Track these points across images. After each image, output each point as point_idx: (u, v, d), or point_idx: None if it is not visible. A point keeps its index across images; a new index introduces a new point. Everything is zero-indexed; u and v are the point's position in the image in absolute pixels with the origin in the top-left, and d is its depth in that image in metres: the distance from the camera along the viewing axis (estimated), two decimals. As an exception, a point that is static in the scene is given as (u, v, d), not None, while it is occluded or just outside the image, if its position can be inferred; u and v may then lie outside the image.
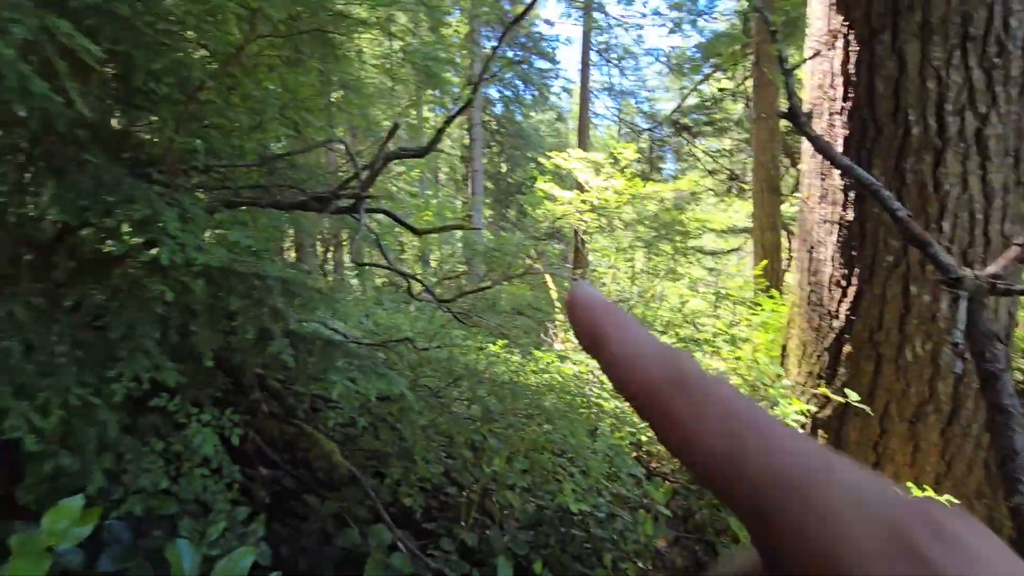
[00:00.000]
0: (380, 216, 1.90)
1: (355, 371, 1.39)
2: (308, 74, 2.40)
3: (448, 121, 1.53)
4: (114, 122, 1.73)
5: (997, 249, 2.60)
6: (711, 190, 10.78)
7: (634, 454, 3.28)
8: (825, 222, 2.98)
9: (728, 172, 10.43)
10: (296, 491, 2.05)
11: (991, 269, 1.55)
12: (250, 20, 1.48)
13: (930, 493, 2.53)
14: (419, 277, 1.80)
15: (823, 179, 3.01)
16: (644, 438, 3.36)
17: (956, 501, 2.59)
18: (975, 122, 2.46)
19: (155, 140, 1.54)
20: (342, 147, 1.62)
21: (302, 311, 1.47)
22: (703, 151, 10.60)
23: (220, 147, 1.61)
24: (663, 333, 5.22)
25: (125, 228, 1.48)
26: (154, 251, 1.23)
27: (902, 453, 2.76)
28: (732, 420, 0.21)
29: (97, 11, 1.11)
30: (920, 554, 0.17)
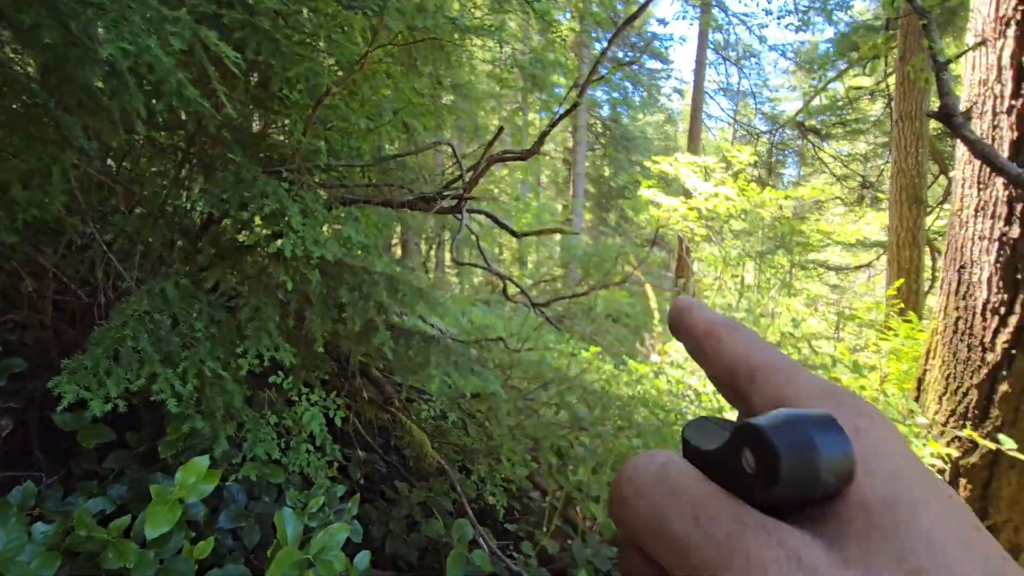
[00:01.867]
0: (481, 217, 1.94)
1: (451, 367, 1.43)
2: (421, 79, 2.52)
3: (552, 125, 1.52)
4: (254, 125, 1.93)
5: None
6: (839, 199, 9.75)
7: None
8: (982, 239, 2.56)
9: (861, 179, 9.37)
10: (388, 476, 2.16)
11: None
12: (373, 31, 1.58)
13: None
14: (514, 279, 1.81)
15: (981, 189, 2.60)
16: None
17: None
18: None
19: (286, 141, 1.69)
20: (449, 149, 1.67)
21: (403, 306, 1.54)
22: (832, 155, 9.61)
23: (340, 148, 1.74)
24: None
25: (257, 220, 1.65)
26: (279, 242, 1.35)
27: (1073, 519, 2.30)
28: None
29: (244, 25, 1.25)
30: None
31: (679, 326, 0.29)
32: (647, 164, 8.63)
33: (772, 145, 10.55)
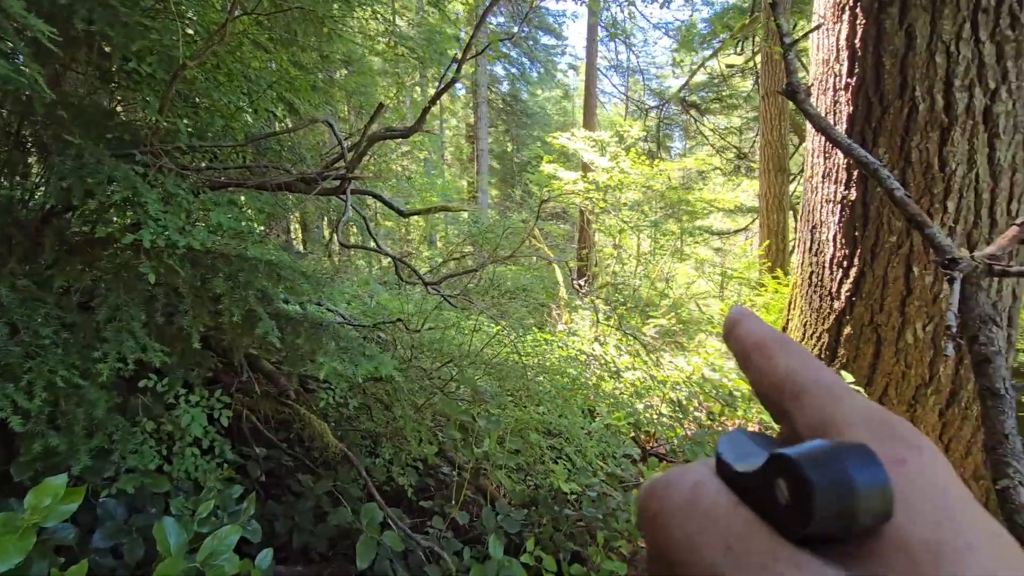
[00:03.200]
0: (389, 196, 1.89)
1: (340, 353, 1.39)
2: (304, 53, 2.36)
3: (432, 102, 1.50)
4: (103, 103, 1.72)
5: (1003, 230, 2.54)
6: (719, 169, 10.61)
7: (632, 435, 3.29)
8: (828, 202, 2.92)
9: (736, 151, 10.24)
10: (292, 470, 2.09)
11: (989, 250, 1.51)
12: (234, -2, 1.45)
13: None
14: (405, 259, 1.79)
15: (827, 158, 2.95)
16: (644, 417, 3.37)
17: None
18: (984, 98, 2.39)
19: (139, 121, 1.52)
20: (328, 127, 1.60)
21: (291, 293, 1.47)
22: (711, 129, 10.40)
23: (207, 127, 1.60)
24: (668, 315, 5.21)
25: (113, 211, 1.49)
26: (137, 233, 1.23)
27: (900, 435, 2.75)
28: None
29: (68, -11, 1.09)
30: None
31: (730, 335, 0.29)
32: (548, 139, 8.81)
33: (660, 120, 11.18)
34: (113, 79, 1.59)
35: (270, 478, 2.12)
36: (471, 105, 15.78)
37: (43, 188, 1.38)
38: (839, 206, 2.86)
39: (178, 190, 1.29)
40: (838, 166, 2.88)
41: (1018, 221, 1.53)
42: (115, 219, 1.41)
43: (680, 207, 9.45)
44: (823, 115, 2.82)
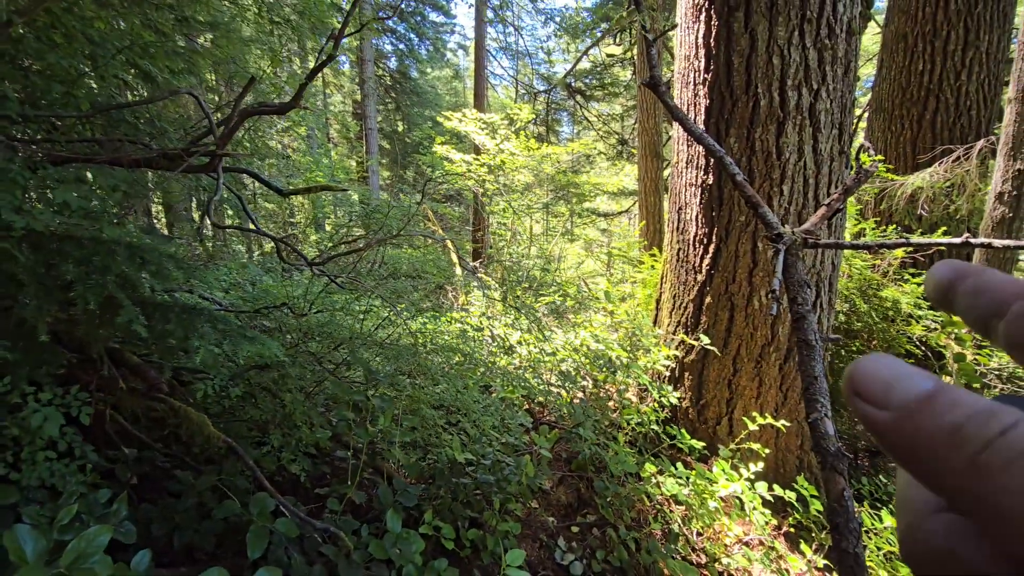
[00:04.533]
0: (250, 177, 1.78)
1: (222, 337, 1.33)
2: (160, 12, 2.14)
3: (310, 77, 1.45)
4: None
5: (825, 209, 3.02)
6: (603, 154, 11.22)
7: (526, 406, 3.47)
8: (691, 185, 3.26)
9: (618, 136, 10.89)
10: (168, 469, 1.95)
11: (805, 226, 1.82)
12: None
13: (770, 420, 2.96)
14: (287, 240, 1.74)
15: (689, 145, 3.28)
16: (536, 389, 3.56)
17: (788, 424, 3.05)
18: (809, 97, 2.80)
19: (-48, 84, 1.31)
20: (193, 99, 1.49)
21: (157, 279, 1.36)
22: (596, 115, 10.96)
23: (42, 95, 1.41)
24: (559, 293, 5.48)
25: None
26: (-41, 214, 1.08)
27: (750, 388, 3.19)
28: None
29: None
30: None
31: (955, 293, 0.26)
32: (440, 119, 8.71)
33: (549, 104, 11.52)
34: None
35: (144, 481, 1.96)
36: (357, 81, 15.06)
37: None
38: (700, 189, 3.21)
39: (8, 164, 1.14)
40: (699, 153, 3.22)
41: (825, 203, 1.85)
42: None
43: (569, 190, 9.88)
44: (685, 108, 3.13)
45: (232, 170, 1.49)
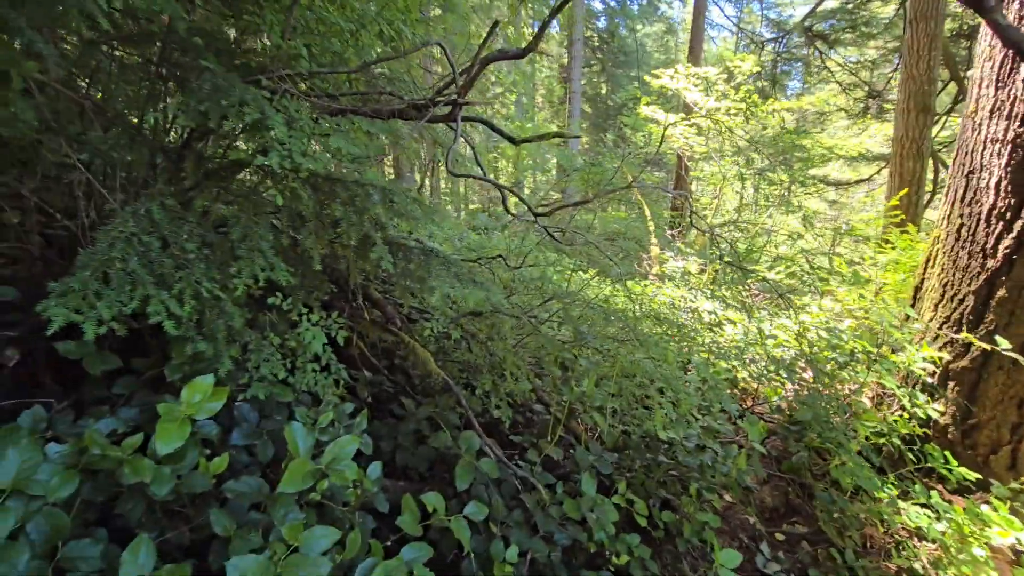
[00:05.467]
0: (477, 133, 1.85)
1: (452, 279, 1.41)
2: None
3: (551, 17, 1.40)
4: (229, 33, 1.78)
5: None
6: (843, 110, 9.40)
7: (729, 390, 3.15)
8: (994, 141, 2.48)
9: (867, 88, 8.98)
10: (394, 395, 2.21)
11: None
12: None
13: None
14: (514, 191, 1.75)
15: (999, 87, 2.48)
16: (742, 375, 3.21)
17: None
18: None
19: (263, 48, 1.56)
20: (439, 58, 1.55)
21: (402, 221, 1.49)
22: (839, 64, 9.13)
23: (320, 54, 1.61)
24: (777, 269, 4.83)
25: (243, 137, 1.56)
26: (267, 157, 1.28)
27: (1055, 415, 2.40)
28: None
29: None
30: None
31: None
32: (646, 79, 8.22)
33: (777, 54, 10.01)
34: (237, 6, 1.64)
35: (374, 401, 2.26)
36: (565, 44, 15.04)
37: (181, 115, 1.47)
38: (1009, 146, 2.42)
39: (300, 115, 1.32)
40: (1015, 98, 2.42)
41: None
42: (245, 145, 1.47)
43: (792, 154, 8.57)
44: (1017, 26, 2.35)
45: (469, 119, 1.54)
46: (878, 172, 8.88)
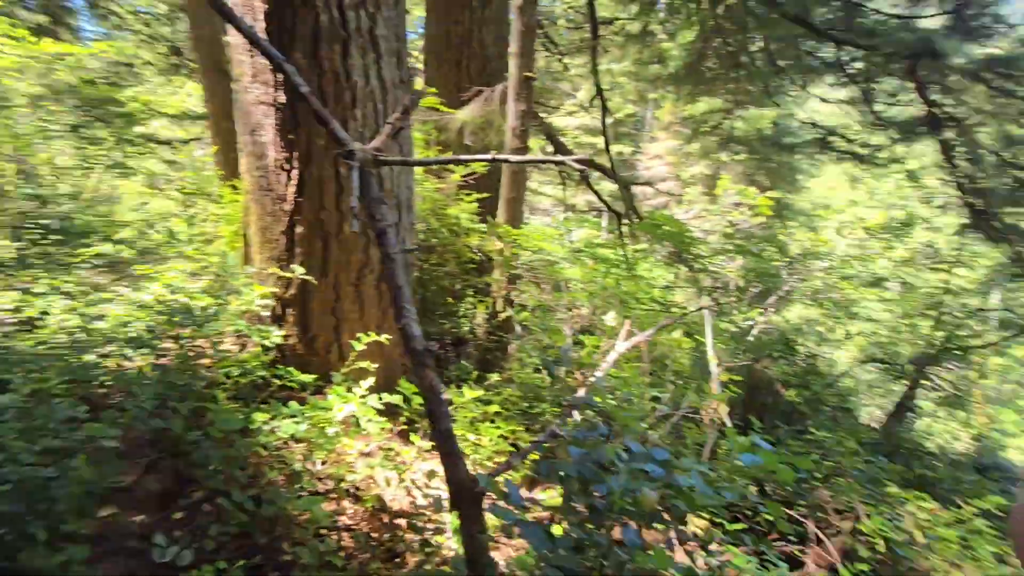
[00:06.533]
0: None
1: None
2: None
3: None
4: None
5: (395, 135, 3.24)
6: (151, 64, 8.95)
7: (77, 395, 2.62)
8: (260, 103, 2.93)
9: (169, 44, 8.84)
10: None
11: (374, 143, 1.87)
12: None
13: (375, 336, 3.14)
14: None
15: (252, 55, 2.90)
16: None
17: (391, 336, 3.32)
18: (368, 20, 2.85)
19: None
20: None
21: None
22: (130, 11, 8.43)
23: None
24: (124, 244, 4.23)
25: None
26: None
27: (353, 311, 3.29)
28: None
29: None
30: None
31: None
32: None
33: (49, -17, 8.20)
34: None
35: None
36: None
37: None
38: (272, 108, 2.92)
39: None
40: (265, 66, 2.89)
41: (389, 121, 1.95)
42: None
43: (108, 107, 7.58)
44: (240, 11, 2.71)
45: None
46: (204, 131, 9.17)
